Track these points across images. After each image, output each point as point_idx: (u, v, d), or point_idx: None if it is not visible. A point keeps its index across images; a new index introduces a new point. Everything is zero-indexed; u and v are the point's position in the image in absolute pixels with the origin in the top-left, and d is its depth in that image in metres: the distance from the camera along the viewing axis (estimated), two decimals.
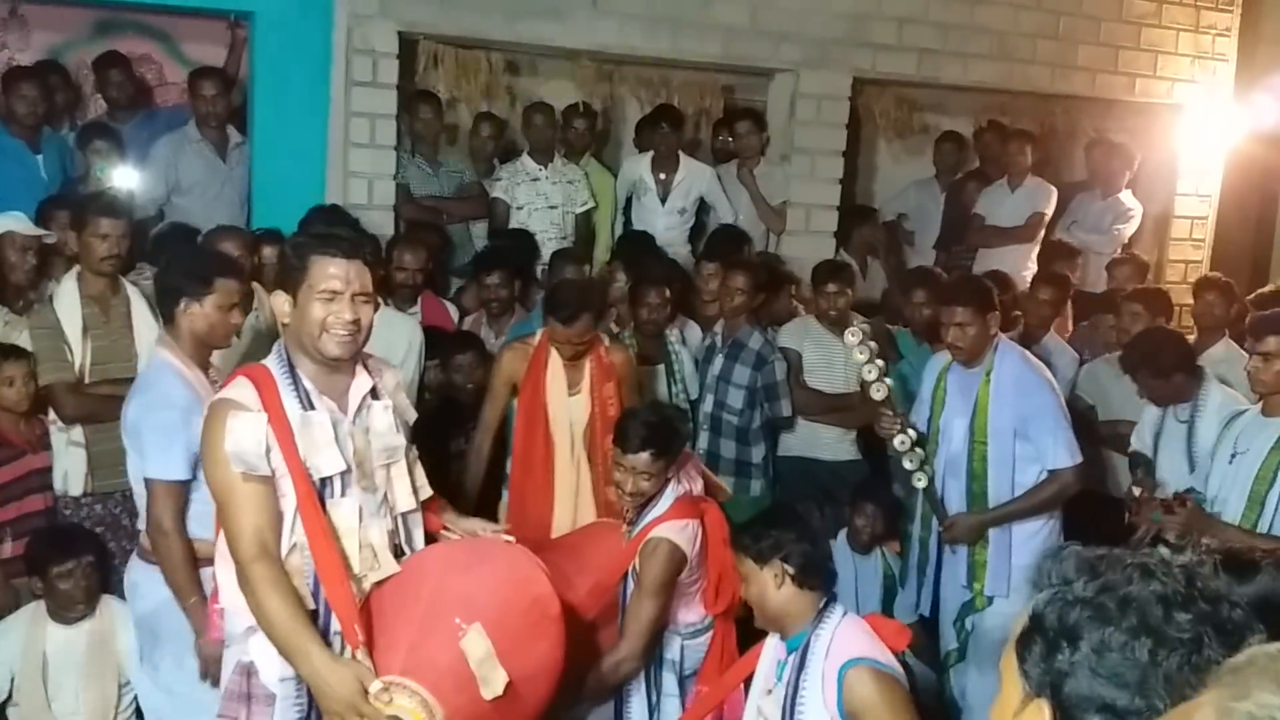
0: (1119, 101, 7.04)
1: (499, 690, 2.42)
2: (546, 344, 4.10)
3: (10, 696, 3.81)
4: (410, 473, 2.77)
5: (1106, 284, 6.30)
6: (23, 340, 4.01)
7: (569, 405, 4.09)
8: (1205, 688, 0.89)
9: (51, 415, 4.05)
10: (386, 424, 2.69)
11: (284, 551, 2.53)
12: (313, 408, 2.57)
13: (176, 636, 3.21)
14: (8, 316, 4.24)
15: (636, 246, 5.66)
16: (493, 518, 3.62)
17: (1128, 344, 4.70)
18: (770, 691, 2.88)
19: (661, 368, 4.96)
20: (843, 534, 4.82)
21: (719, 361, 5.01)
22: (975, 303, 4.01)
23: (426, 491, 2.85)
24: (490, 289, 5.05)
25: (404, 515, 2.76)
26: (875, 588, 4.68)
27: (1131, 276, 6.13)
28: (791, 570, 2.84)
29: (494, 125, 6.10)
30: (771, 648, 2.97)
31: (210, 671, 3.08)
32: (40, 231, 4.45)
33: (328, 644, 2.50)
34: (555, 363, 4.08)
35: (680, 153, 6.13)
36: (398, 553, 2.69)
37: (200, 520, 3.12)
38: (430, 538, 2.85)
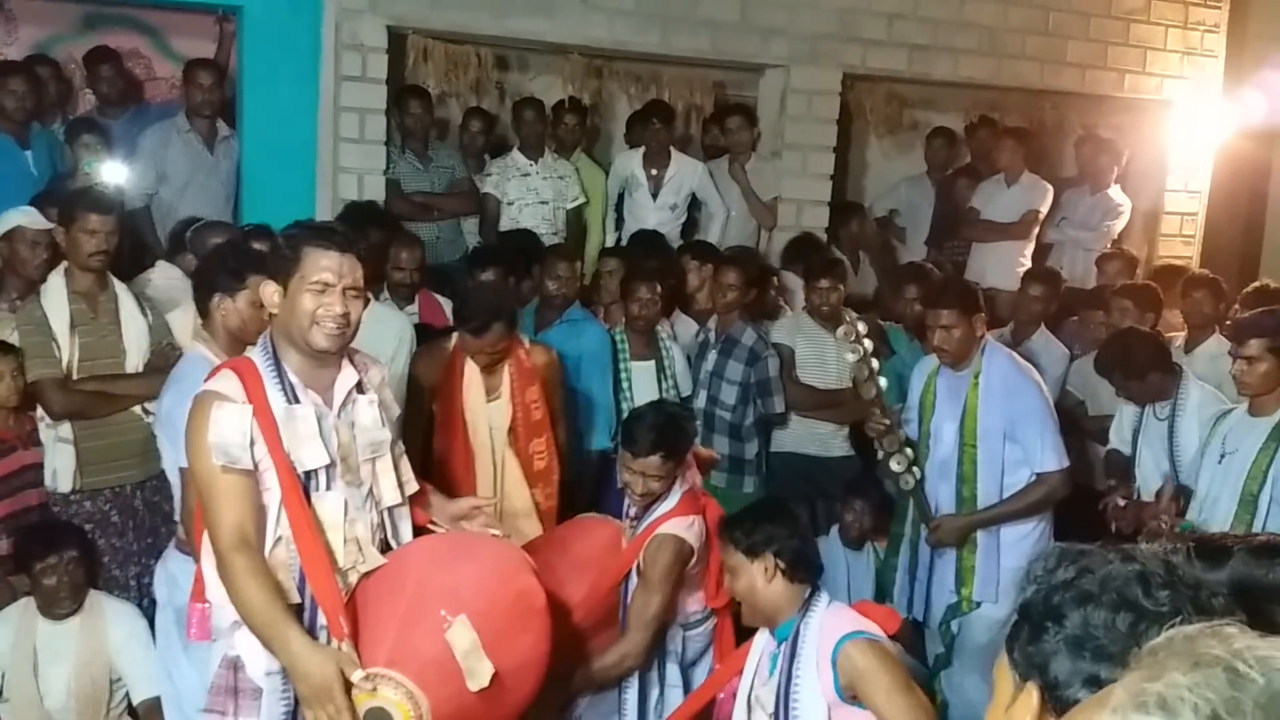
0: (1108, 97, 7.06)
1: (485, 682, 2.43)
2: (460, 350, 4.00)
3: (1, 691, 3.79)
4: (396, 467, 2.76)
5: (1096, 279, 6.31)
6: (10, 336, 3.99)
7: (488, 411, 3.99)
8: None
9: (40, 411, 4.03)
10: (372, 418, 2.69)
11: (269, 544, 2.53)
12: (297, 401, 2.56)
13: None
14: None
15: (646, 246, 5.64)
16: None
17: (1100, 348, 4.71)
18: (764, 683, 2.89)
19: (653, 364, 4.96)
20: (834, 529, 4.84)
21: (712, 357, 5.01)
22: (960, 305, 3.99)
23: (413, 486, 2.85)
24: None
25: (390, 509, 2.75)
26: (867, 583, 4.69)
27: (1121, 272, 6.14)
28: (782, 564, 2.86)
29: (484, 120, 6.09)
30: (762, 641, 2.99)
31: None
32: (50, 225, 4.43)
33: (314, 637, 2.49)
34: (471, 368, 3.97)
35: (671, 148, 6.13)
36: (384, 547, 2.70)
37: None
38: (418, 531, 2.85)
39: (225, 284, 3.35)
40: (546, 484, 4.13)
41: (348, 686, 2.35)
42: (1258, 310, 4.32)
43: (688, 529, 3.37)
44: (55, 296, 4.00)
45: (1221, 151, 7.43)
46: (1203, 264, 7.16)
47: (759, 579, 2.88)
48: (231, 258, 3.52)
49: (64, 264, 4.06)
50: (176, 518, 3.37)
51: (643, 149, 6.12)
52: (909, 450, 4.16)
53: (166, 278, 4.51)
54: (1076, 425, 4.98)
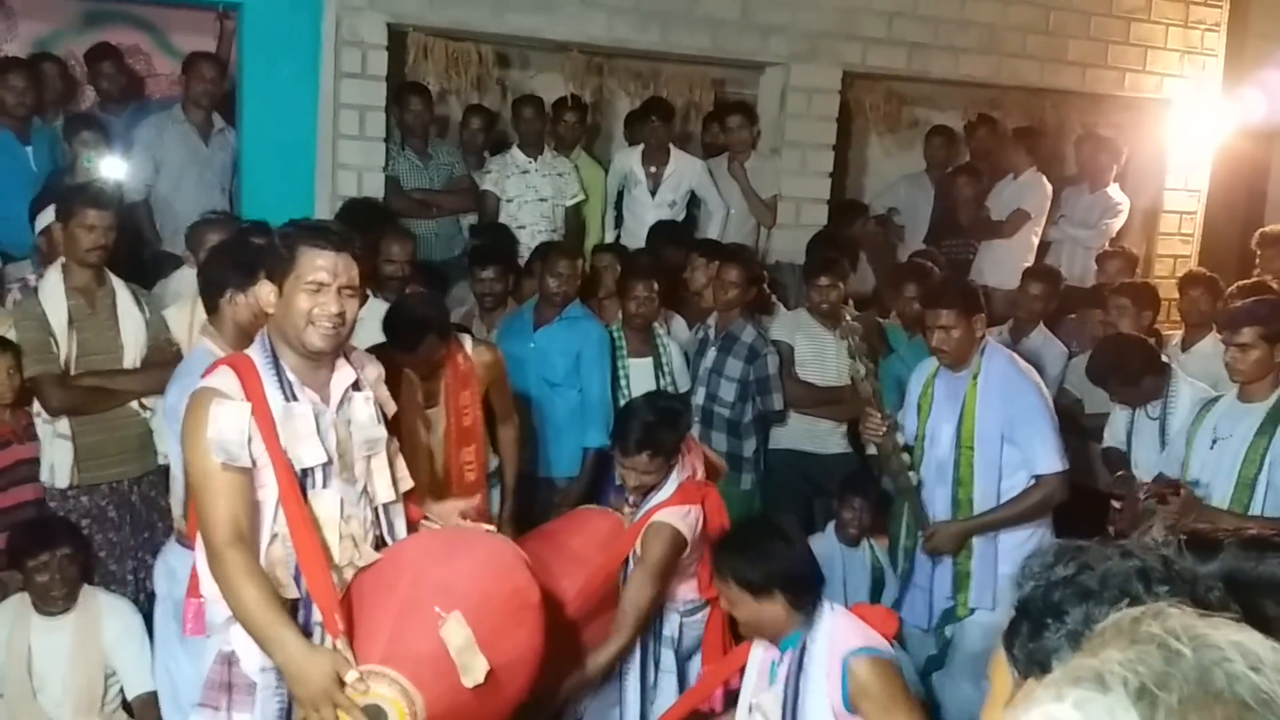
0: (1108, 96, 7.07)
1: (480, 678, 2.43)
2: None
3: None
4: (391, 464, 2.76)
5: (1095, 278, 6.32)
6: (8, 332, 3.99)
7: (427, 418, 3.89)
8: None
9: (36, 407, 4.03)
10: (368, 416, 2.69)
11: (266, 541, 2.53)
12: (295, 399, 2.57)
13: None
14: None
15: (666, 237, 5.66)
16: None
17: (1091, 357, 4.71)
18: (766, 690, 2.89)
19: (651, 361, 4.96)
20: (830, 526, 4.83)
21: (711, 354, 5.01)
22: (959, 305, 3.95)
23: (408, 483, 2.85)
24: (485, 283, 5.04)
25: (385, 506, 2.76)
26: (864, 580, 4.68)
27: (1121, 270, 6.13)
28: (789, 597, 2.82)
29: (484, 118, 6.09)
30: (761, 647, 2.98)
31: None
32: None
33: (309, 634, 2.50)
34: (408, 377, 3.81)
35: (670, 146, 6.13)
36: (379, 544, 2.70)
37: None
38: (411, 527, 2.85)
39: (238, 279, 3.34)
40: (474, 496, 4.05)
41: (342, 685, 2.35)
42: (1250, 299, 4.36)
43: (683, 518, 3.38)
44: (53, 292, 4.00)
45: (1220, 151, 7.43)
46: (1201, 262, 7.17)
47: (762, 612, 2.85)
48: (243, 253, 3.51)
49: (61, 260, 4.07)
50: (178, 511, 3.37)
51: (642, 146, 6.12)
52: (905, 455, 4.13)
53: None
54: (1074, 423, 4.98)
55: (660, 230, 5.78)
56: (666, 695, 3.47)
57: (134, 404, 4.07)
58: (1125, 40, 6.96)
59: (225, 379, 2.53)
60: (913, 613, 4.19)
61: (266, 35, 5.25)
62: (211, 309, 3.43)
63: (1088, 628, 1.18)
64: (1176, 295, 5.78)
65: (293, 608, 2.52)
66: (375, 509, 2.73)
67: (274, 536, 2.53)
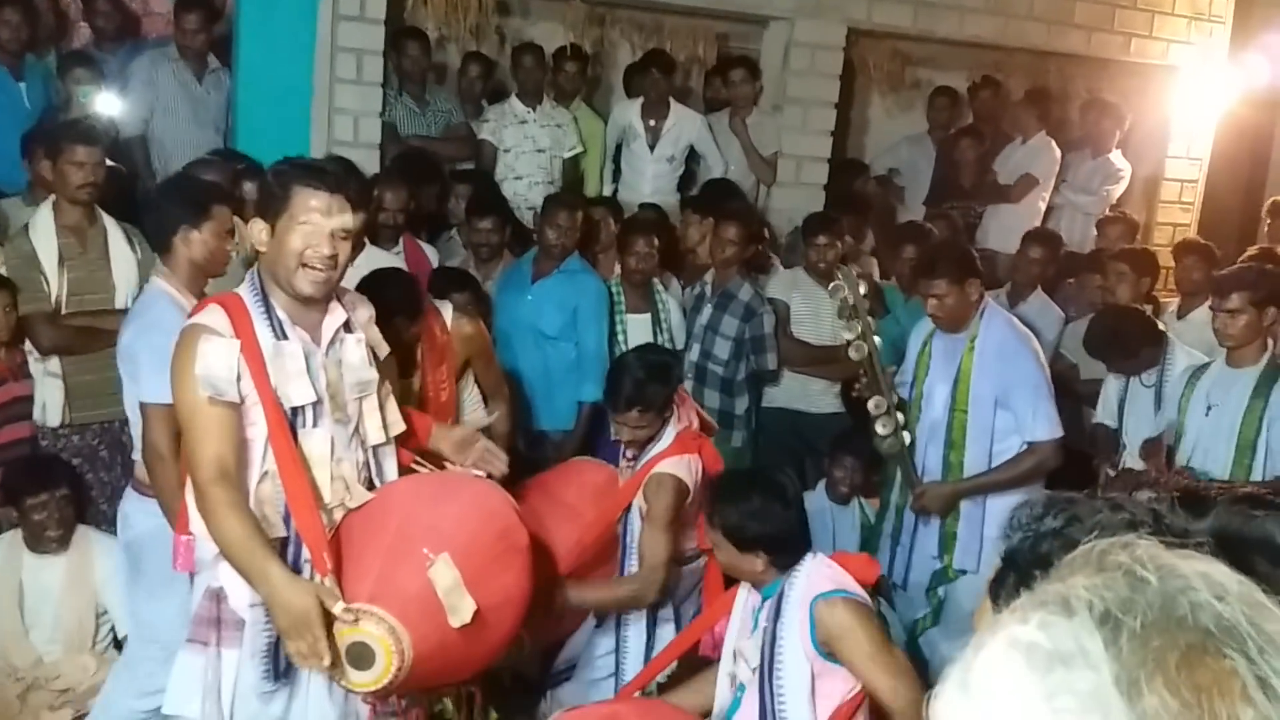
0: (1114, 61, 7.00)
1: (467, 618, 2.44)
2: None
3: None
4: (382, 407, 2.75)
5: (1095, 243, 6.30)
6: None
7: (401, 388, 3.77)
8: None
9: (29, 346, 4.01)
10: (359, 358, 2.67)
11: (255, 479, 2.53)
12: (285, 337, 2.55)
13: (156, 570, 3.18)
14: None
15: (718, 192, 5.64)
16: None
17: (1089, 329, 4.70)
18: (747, 636, 2.90)
19: (649, 316, 4.95)
20: (821, 484, 4.85)
21: (707, 311, 5.00)
22: (951, 274, 3.94)
23: (399, 426, 2.83)
24: (482, 233, 5.00)
25: (375, 449, 2.75)
26: (852, 538, 4.70)
27: (1123, 236, 6.12)
28: (772, 558, 2.84)
29: (483, 66, 6.01)
30: (745, 591, 2.99)
31: None
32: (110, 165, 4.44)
33: (298, 572, 2.50)
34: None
35: (671, 100, 6.07)
36: (369, 486, 2.70)
37: None
38: (402, 471, 2.85)
39: (189, 216, 3.28)
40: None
41: (329, 620, 2.36)
42: (1238, 265, 4.40)
43: (684, 467, 3.42)
44: (43, 230, 3.97)
45: (1224, 118, 7.37)
46: (1201, 231, 7.14)
47: (742, 562, 2.88)
48: (192, 189, 3.49)
49: (52, 197, 4.02)
50: (135, 455, 3.33)
51: (641, 99, 6.06)
52: (899, 414, 4.13)
53: None
54: (1069, 388, 4.98)
55: (711, 186, 5.72)
56: (664, 642, 3.51)
57: None
58: (1133, 4, 6.88)
59: (214, 316, 2.51)
60: (891, 570, 4.22)
61: None
62: (164, 249, 3.34)
63: None
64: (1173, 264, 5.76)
65: (281, 546, 2.52)
66: (366, 451, 2.72)
67: (264, 474, 2.53)
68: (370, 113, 5.42)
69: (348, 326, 2.68)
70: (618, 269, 5.01)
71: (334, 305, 2.66)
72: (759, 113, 6.21)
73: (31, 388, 4.01)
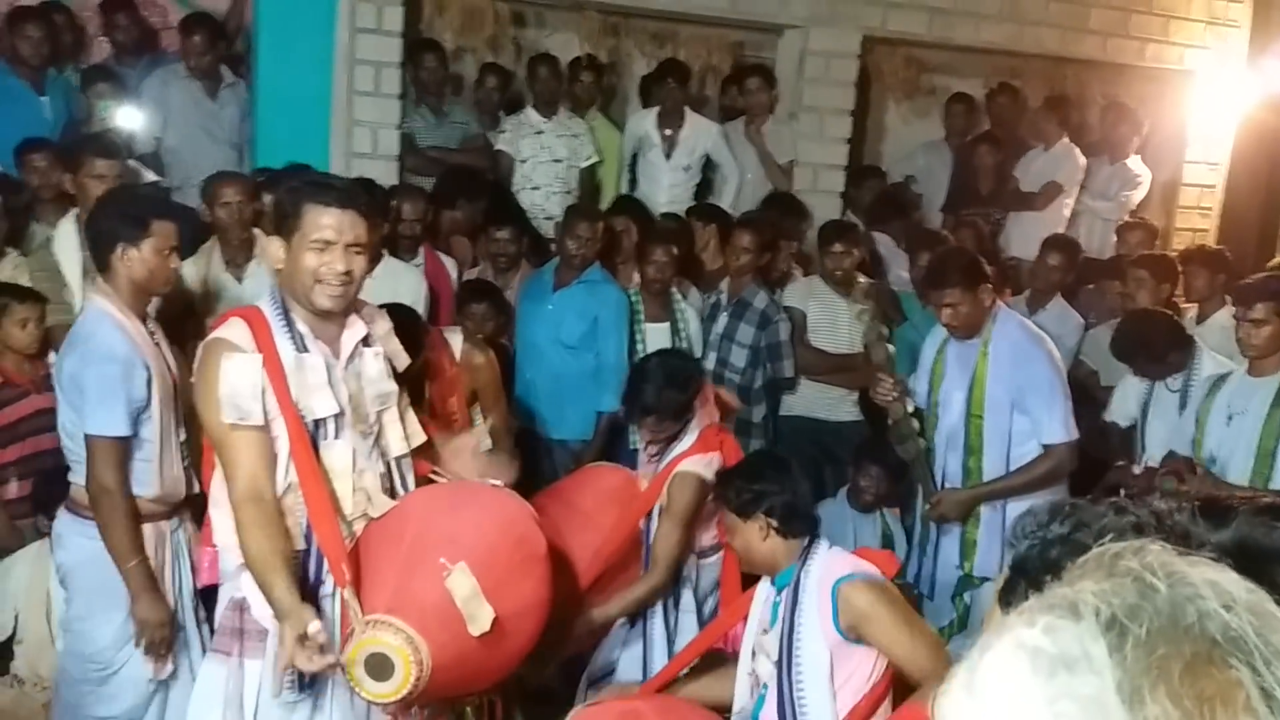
0: (1130, 66, 6.98)
1: (486, 627, 2.44)
2: None
3: (15, 634, 3.83)
4: (402, 418, 2.77)
5: (1115, 249, 6.28)
6: (23, 282, 3.99)
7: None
8: None
9: (52, 356, 4.03)
10: (378, 370, 2.70)
11: (279, 492, 2.55)
12: (307, 350, 2.57)
13: (92, 593, 3.13)
14: (17, 260, 4.22)
15: (782, 206, 5.67)
16: None
17: (1116, 335, 4.67)
18: (767, 631, 2.91)
19: (668, 326, 4.95)
20: (843, 492, 4.84)
21: (723, 320, 5.01)
22: (961, 283, 3.91)
23: (419, 438, 2.85)
24: (500, 243, 5.03)
25: (396, 460, 2.77)
26: (874, 546, 4.68)
27: (1142, 242, 6.08)
28: (775, 523, 2.87)
29: (499, 76, 6.04)
30: (764, 589, 3.00)
31: (148, 638, 3.07)
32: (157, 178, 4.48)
33: (320, 583, 2.53)
34: None
35: (686, 109, 6.08)
36: (392, 496, 2.71)
37: (141, 479, 3.09)
38: (420, 481, 2.86)
39: (128, 233, 3.09)
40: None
41: (303, 642, 2.35)
42: (1263, 274, 4.37)
43: (706, 466, 3.44)
44: (67, 243, 4.00)
45: (1243, 123, 7.34)
46: (1220, 237, 7.12)
47: (754, 538, 2.90)
48: (131, 205, 3.27)
49: (75, 210, 4.06)
50: (72, 477, 3.20)
51: (657, 109, 6.07)
52: (914, 422, 4.12)
53: None
54: (1090, 395, 4.97)
55: (774, 200, 5.76)
56: (686, 634, 3.54)
57: None
58: (1148, 9, 6.86)
59: (236, 330, 2.54)
60: (918, 580, 4.21)
61: None
62: (103, 266, 3.14)
63: None
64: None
65: (303, 559, 2.54)
66: (388, 462, 2.74)
67: (287, 487, 2.55)
68: (388, 124, 5.45)
69: (366, 341, 2.70)
70: (636, 277, 5.02)
71: (353, 319, 2.68)
72: (775, 121, 6.22)
73: (54, 400, 4.02)
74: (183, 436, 3.23)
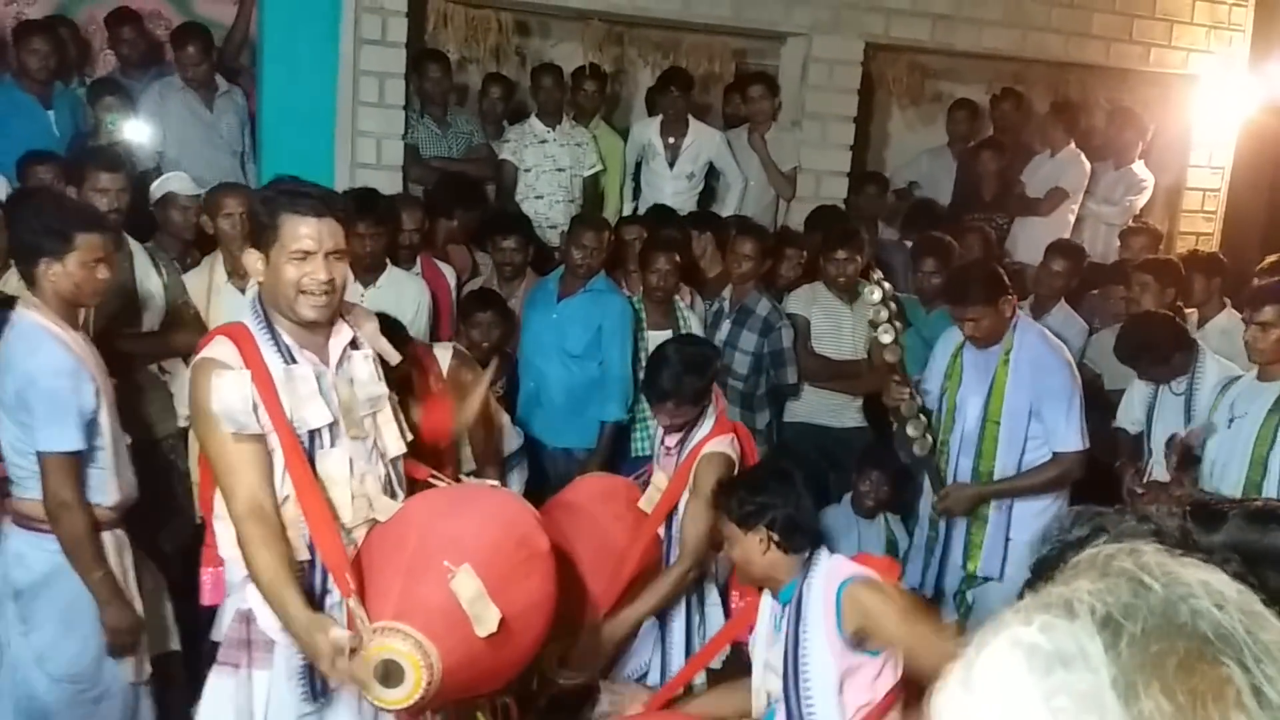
0: (1133, 71, 6.98)
1: (493, 627, 2.45)
2: None
3: None
4: (395, 417, 2.76)
5: (1119, 254, 6.28)
6: None
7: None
8: None
9: None
10: (368, 373, 2.69)
11: (279, 503, 2.55)
12: (294, 361, 2.56)
13: (61, 614, 3.09)
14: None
15: (924, 215, 5.77)
16: None
17: (1120, 337, 4.68)
18: (769, 645, 2.91)
19: (670, 334, 4.94)
20: (846, 498, 4.85)
21: (725, 327, 5.01)
22: (984, 297, 3.94)
23: (407, 436, 2.83)
24: (505, 252, 5.05)
25: (395, 460, 2.77)
26: (878, 551, 4.69)
27: (1146, 247, 6.10)
28: (776, 536, 2.84)
29: (503, 86, 6.06)
30: (768, 602, 2.99)
31: (120, 643, 3.07)
32: (201, 191, 4.51)
33: (325, 593, 2.53)
34: None
35: (690, 117, 6.09)
36: (392, 497, 2.71)
37: (98, 488, 3.08)
38: (419, 486, 2.87)
39: (51, 247, 3.03)
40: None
41: (351, 653, 2.35)
42: (1272, 278, 4.35)
43: (730, 445, 3.51)
44: None
45: (1246, 127, 7.34)
46: (1223, 241, 7.13)
47: (754, 550, 2.88)
48: (54, 217, 3.15)
49: None
50: (17, 491, 3.12)
51: (660, 117, 6.09)
52: (922, 417, 4.14)
53: None
54: (1094, 399, 4.96)
55: (821, 213, 5.78)
56: (714, 627, 3.56)
57: (153, 366, 4.09)
58: (1151, 14, 6.87)
59: (222, 348, 2.52)
60: (922, 582, 4.23)
61: (287, 1, 5.24)
62: (29, 280, 3.08)
63: None
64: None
65: (307, 570, 2.54)
66: (387, 464, 2.73)
67: (285, 498, 2.54)
68: (393, 135, 5.48)
69: (354, 344, 2.69)
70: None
71: (339, 324, 2.67)
72: (778, 128, 6.23)
73: None
74: (128, 440, 3.25)
